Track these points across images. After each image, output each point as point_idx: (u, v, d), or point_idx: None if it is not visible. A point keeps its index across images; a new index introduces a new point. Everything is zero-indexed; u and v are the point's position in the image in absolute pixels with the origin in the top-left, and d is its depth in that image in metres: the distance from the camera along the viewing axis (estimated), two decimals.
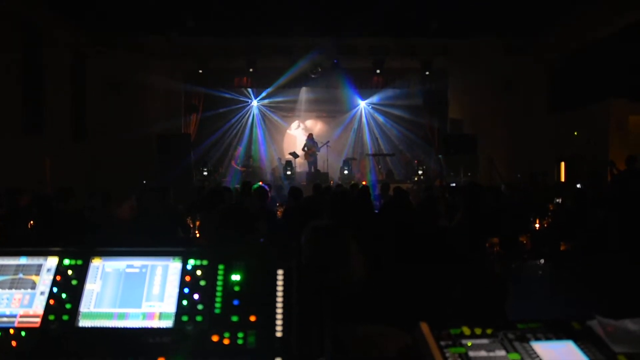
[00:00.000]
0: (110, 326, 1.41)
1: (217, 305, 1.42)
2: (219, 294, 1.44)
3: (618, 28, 11.14)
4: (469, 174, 13.58)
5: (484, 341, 1.23)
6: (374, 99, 17.28)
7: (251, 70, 14.64)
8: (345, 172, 15.45)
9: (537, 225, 5.21)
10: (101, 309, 1.45)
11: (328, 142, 15.94)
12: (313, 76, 15.02)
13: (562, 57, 13.32)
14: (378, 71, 14.76)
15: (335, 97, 17.15)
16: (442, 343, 1.20)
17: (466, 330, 1.26)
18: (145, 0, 11.00)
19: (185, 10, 11.60)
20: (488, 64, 13.93)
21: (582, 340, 1.23)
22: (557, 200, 6.38)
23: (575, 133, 12.62)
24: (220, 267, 1.49)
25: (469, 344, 1.21)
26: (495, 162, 13.89)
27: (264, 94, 17.07)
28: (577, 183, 10.15)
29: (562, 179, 12.81)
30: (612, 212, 4.23)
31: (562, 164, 13.09)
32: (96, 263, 1.53)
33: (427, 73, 14.84)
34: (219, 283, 1.46)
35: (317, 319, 1.41)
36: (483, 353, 1.18)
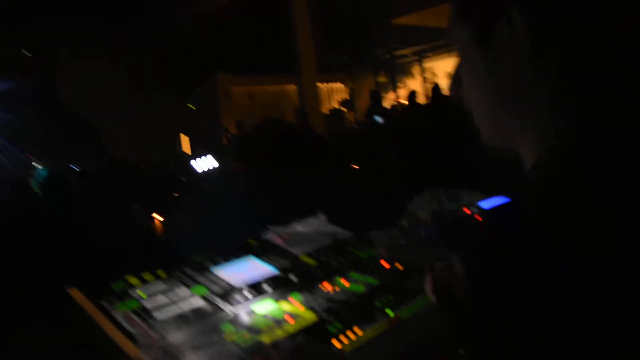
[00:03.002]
0: None
1: None
2: None
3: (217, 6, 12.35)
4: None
5: (160, 286, 0.96)
6: None
7: None
8: None
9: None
10: None
11: None
12: None
13: (174, 39, 13.73)
14: None
15: None
16: (105, 303, 0.87)
17: (134, 280, 0.96)
18: None
19: None
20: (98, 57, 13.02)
21: (263, 253, 1.13)
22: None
23: (190, 106, 13.29)
24: None
25: (142, 294, 0.92)
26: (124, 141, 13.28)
27: None
28: (200, 155, 10.75)
29: (187, 151, 13.36)
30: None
31: (184, 137, 13.61)
32: None
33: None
34: None
35: None
36: (163, 299, 0.92)
